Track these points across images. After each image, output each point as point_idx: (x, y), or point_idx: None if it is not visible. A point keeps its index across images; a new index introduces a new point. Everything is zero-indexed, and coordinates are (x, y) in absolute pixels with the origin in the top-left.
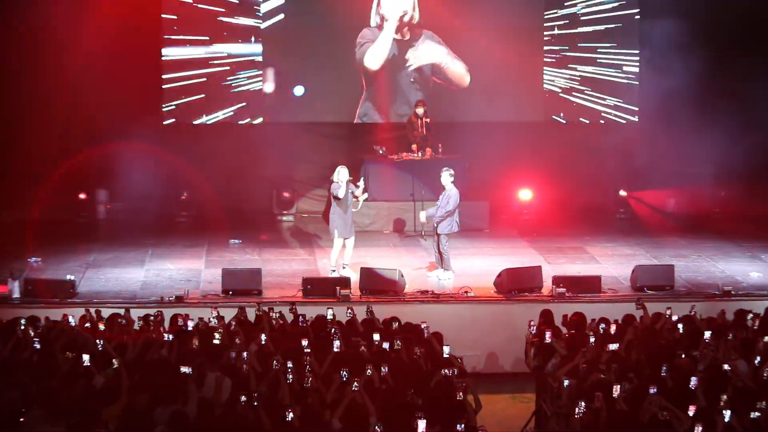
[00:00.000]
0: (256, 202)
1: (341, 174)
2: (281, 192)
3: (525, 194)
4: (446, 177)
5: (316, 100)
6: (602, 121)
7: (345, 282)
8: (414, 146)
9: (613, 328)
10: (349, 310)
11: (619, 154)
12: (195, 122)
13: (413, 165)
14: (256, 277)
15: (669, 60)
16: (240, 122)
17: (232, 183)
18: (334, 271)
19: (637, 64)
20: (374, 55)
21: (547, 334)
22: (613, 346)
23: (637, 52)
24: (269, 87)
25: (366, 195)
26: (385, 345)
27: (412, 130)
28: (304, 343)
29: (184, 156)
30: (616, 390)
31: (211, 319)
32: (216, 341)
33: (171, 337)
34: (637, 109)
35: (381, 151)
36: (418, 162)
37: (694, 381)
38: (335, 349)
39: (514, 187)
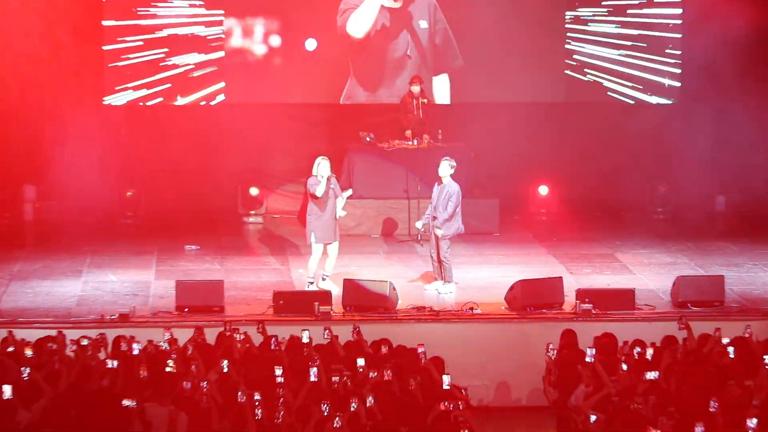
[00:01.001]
0: (217, 200)
1: (321, 167)
2: (248, 188)
3: (542, 190)
4: (445, 168)
5: (292, 77)
6: (632, 102)
7: (325, 297)
8: (408, 132)
9: (649, 353)
10: (327, 332)
11: (655, 141)
12: (145, 104)
13: (407, 155)
14: (218, 291)
15: (719, 24)
16: (201, 102)
17: (188, 177)
18: (311, 283)
19: (679, 25)
20: (358, 22)
21: (571, 360)
22: (651, 375)
23: (680, 12)
24: (236, 43)
25: (350, 191)
26: (373, 373)
27: (406, 113)
28: (277, 371)
29: (130, 145)
30: (655, 428)
31: (163, 342)
32: (169, 369)
33: (114, 363)
34: (678, 85)
35: (368, 139)
36: (413, 151)
37: (752, 424)
38: (313, 378)
39: (529, 182)
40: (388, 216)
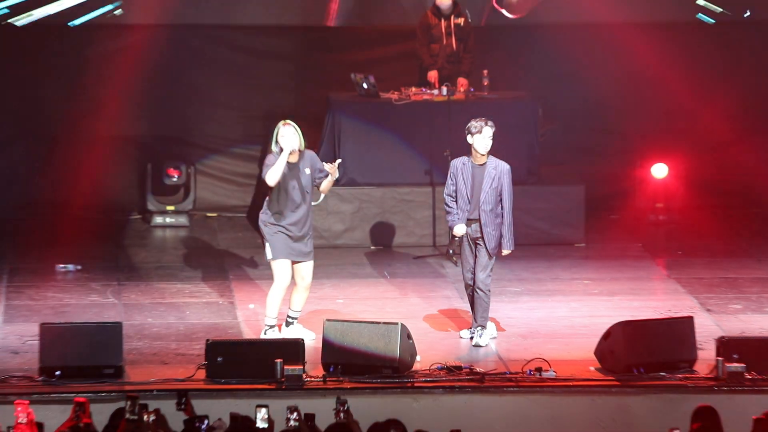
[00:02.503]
0: (110, 188)
1: (286, 137)
2: (163, 169)
3: (658, 171)
4: (489, 136)
5: None
6: None
7: (293, 350)
8: (432, 74)
9: None
10: (294, 414)
11: None
12: None
13: (431, 112)
14: (112, 342)
15: None
16: (70, 22)
17: (60, 151)
18: (272, 327)
19: None
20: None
21: None
22: None
23: None
24: None
25: (335, 173)
26: None
27: (429, 43)
28: None
29: None
30: None
31: (19, 423)
32: None
33: None
34: None
35: (365, 86)
36: (440, 106)
37: None
38: None
39: (634, 158)
40: (398, 215)
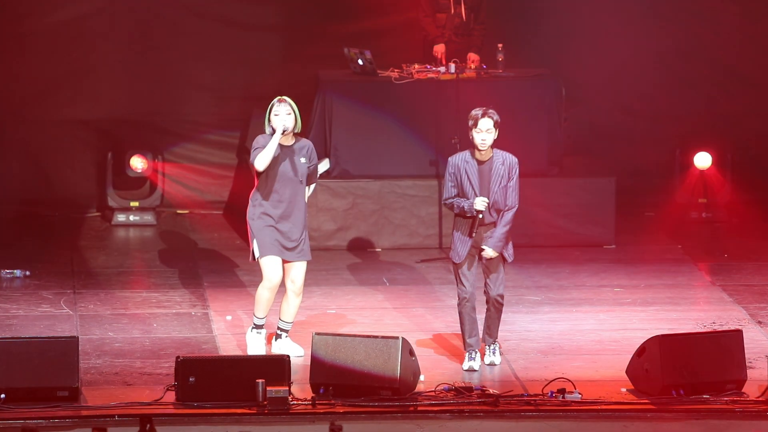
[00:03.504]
0: (63, 182)
1: (280, 116)
2: (125, 157)
3: (701, 161)
4: (491, 126)
5: None
6: None
7: (278, 369)
8: (438, 48)
9: None
10: None
11: None
12: None
13: (437, 93)
14: (66, 359)
15: None
16: None
17: (2, 138)
18: (259, 327)
19: None
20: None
21: None
22: None
23: None
24: None
25: (325, 163)
26: None
27: (435, 13)
28: None
29: None
30: None
31: None
32: None
33: None
34: None
35: (361, 62)
36: (448, 86)
37: None
38: None
39: (672, 146)
40: (399, 212)
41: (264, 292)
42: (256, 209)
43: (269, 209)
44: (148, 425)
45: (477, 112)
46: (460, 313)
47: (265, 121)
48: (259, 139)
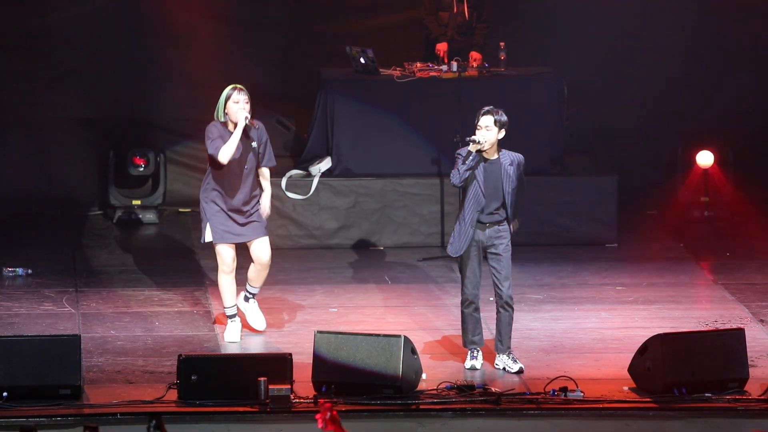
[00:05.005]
0: (65, 180)
1: (240, 104)
2: (128, 156)
3: (703, 159)
4: (493, 124)
5: None
6: None
7: (280, 367)
8: (441, 47)
9: None
10: None
11: None
12: None
13: (439, 91)
14: (68, 357)
15: None
16: None
17: (5, 137)
18: (232, 317)
19: None
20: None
21: None
22: None
23: None
24: None
25: (328, 164)
26: None
27: (438, 11)
28: None
29: None
30: None
31: None
32: None
33: None
34: None
35: (363, 60)
36: (450, 84)
37: None
38: None
39: (674, 145)
40: (401, 210)
41: (223, 279)
42: (209, 192)
43: (222, 192)
44: (155, 421)
45: (483, 109)
46: (462, 314)
47: (219, 108)
48: (212, 129)
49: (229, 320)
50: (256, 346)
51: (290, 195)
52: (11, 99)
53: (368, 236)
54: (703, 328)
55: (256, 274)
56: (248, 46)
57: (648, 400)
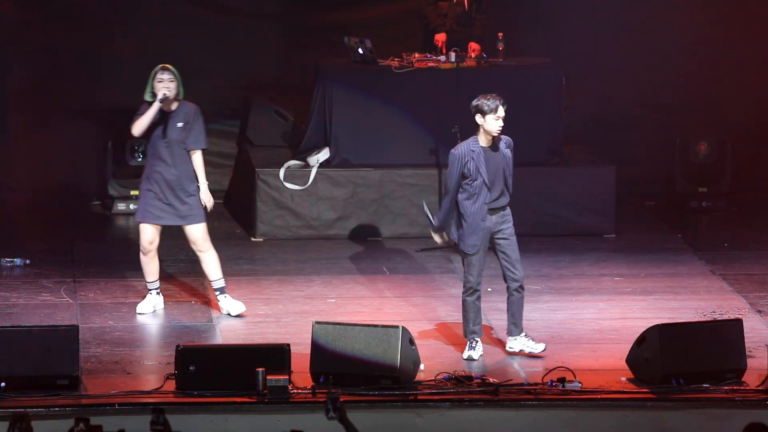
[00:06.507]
0: (63, 170)
1: (164, 83)
2: (126, 145)
3: (701, 149)
4: (501, 117)
5: None
6: None
7: (278, 358)
8: (439, 37)
9: None
10: None
11: None
12: None
13: (437, 82)
14: (66, 347)
15: None
16: None
17: (1, 125)
18: (149, 292)
19: None
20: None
21: None
22: None
23: None
24: None
25: (326, 154)
26: None
27: (437, 1)
28: None
29: None
30: None
31: None
32: None
33: None
34: None
35: (361, 51)
36: (448, 75)
37: None
38: None
39: (672, 135)
40: (399, 201)
41: (141, 258)
42: (146, 170)
43: (152, 173)
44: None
45: (494, 100)
46: (465, 302)
47: (148, 87)
48: (142, 107)
49: (147, 295)
50: (254, 336)
51: (288, 185)
52: (10, 89)
53: (366, 227)
54: (701, 319)
55: (205, 264)
56: (246, 36)
57: (646, 390)
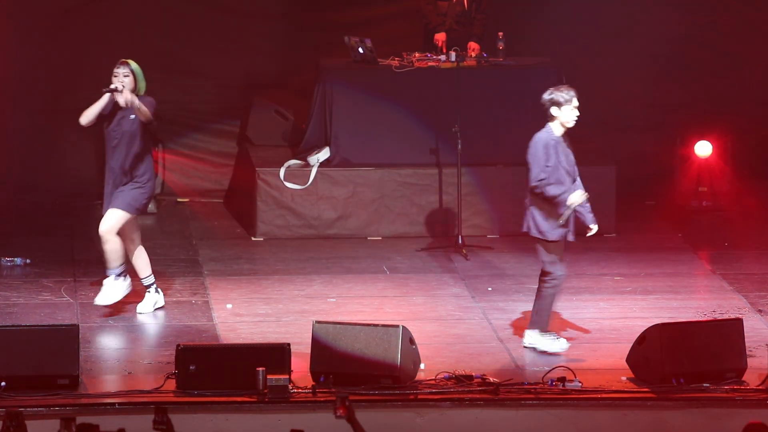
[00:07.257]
0: (62, 169)
1: (119, 78)
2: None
3: (702, 149)
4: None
5: None
6: None
7: (279, 357)
8: (439, 37)
9: None
10: None
11: None
12: None
13: (437, 81)
14: (66, 347)
15: None
16: None
17: (1, 124)
18: (149, 286)
19: None
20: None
21: None
22: None
23: None
24: None
25: (326, 154)
26: None
27: (436, 0)
28: None
29: None
30: None
31: None
32: None
33: None
34: None
35: (361, 50)
36: (448, 74)
37: None
38: None
39: (673, 134)
40: (400, 200)
41: (139, 258)
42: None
43: (109, 164)
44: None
45: (569, 91)
46: (551, 295)
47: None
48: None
49: (146, 293)
50: (254, 336)
51: (288, 185)
52: (9, 87)
53: (366, 226)
54: (701, 318)
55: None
56: (246, 35)
57: (646, 390)
